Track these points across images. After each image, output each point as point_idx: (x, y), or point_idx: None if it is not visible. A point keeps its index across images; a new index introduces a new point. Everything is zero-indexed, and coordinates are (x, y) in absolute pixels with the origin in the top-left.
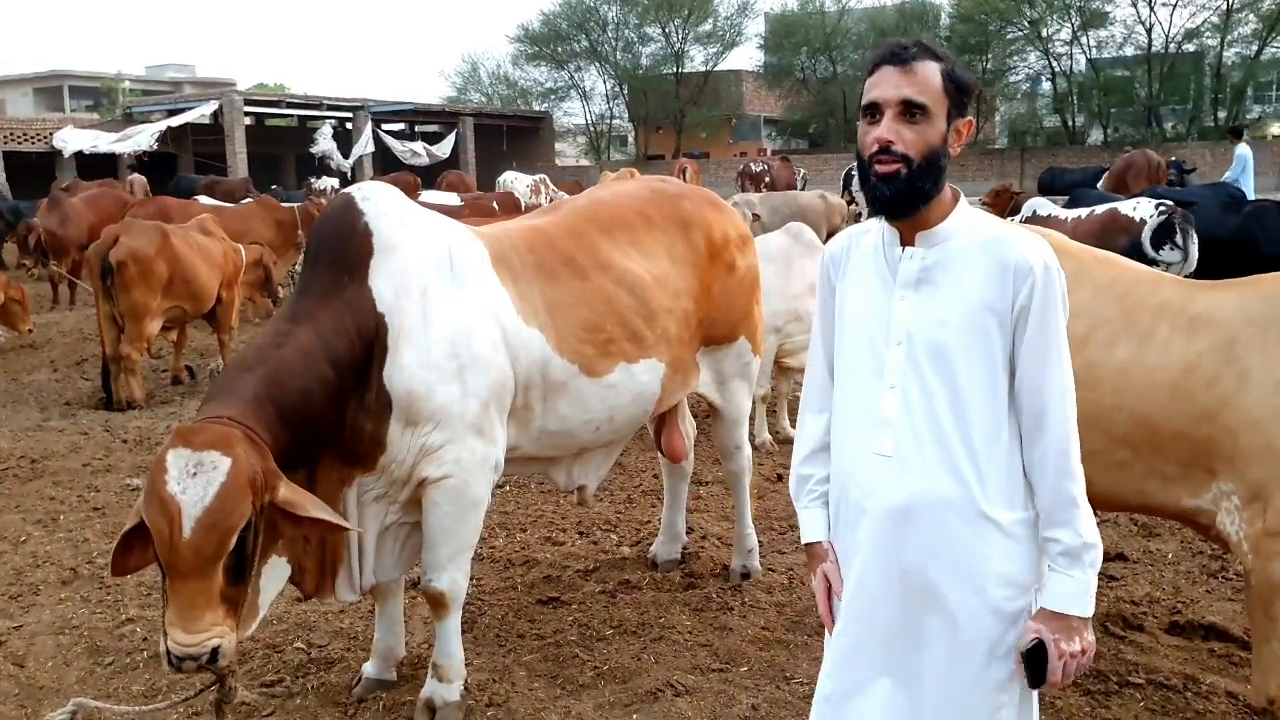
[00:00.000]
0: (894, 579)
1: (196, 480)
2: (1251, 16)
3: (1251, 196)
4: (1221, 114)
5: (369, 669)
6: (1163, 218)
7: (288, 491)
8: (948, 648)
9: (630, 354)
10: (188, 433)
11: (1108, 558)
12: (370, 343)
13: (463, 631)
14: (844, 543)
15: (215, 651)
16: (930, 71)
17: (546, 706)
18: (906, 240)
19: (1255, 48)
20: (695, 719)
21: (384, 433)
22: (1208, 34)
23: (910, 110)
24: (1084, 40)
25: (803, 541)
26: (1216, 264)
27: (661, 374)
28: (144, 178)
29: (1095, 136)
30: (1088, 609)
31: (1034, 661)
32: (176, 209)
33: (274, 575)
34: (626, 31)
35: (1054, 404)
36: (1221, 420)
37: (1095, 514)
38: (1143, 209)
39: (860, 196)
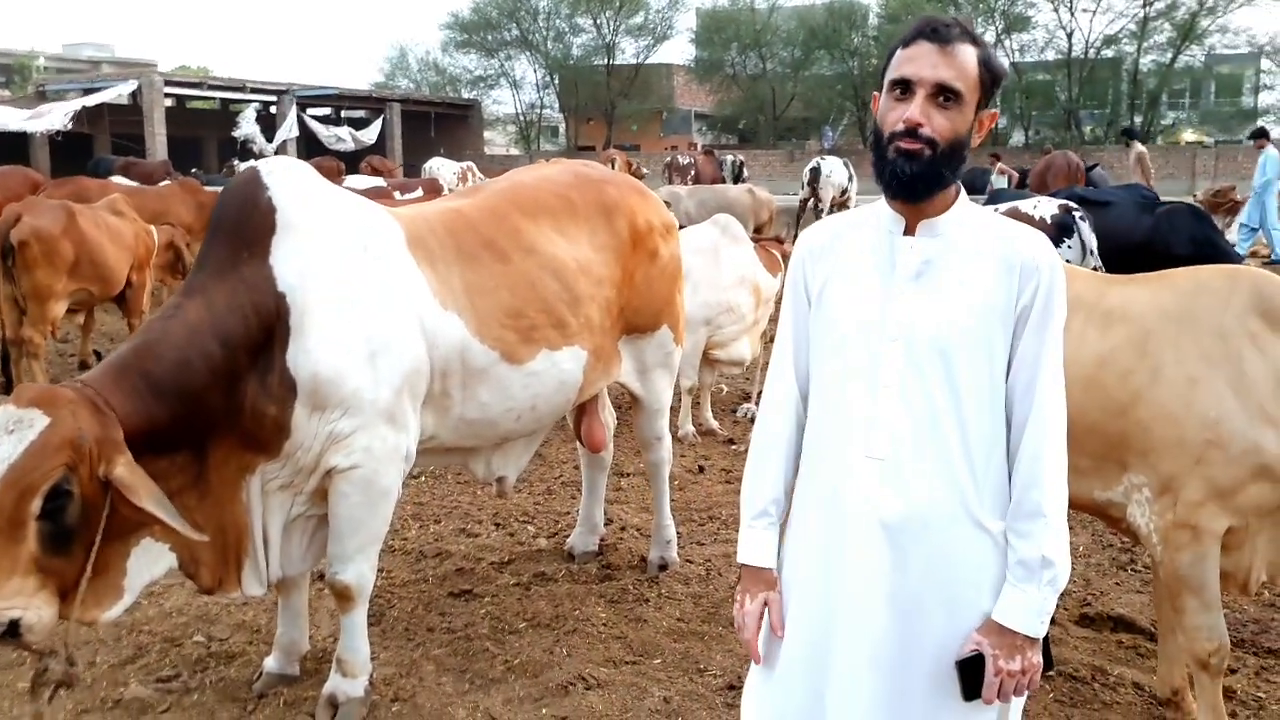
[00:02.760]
0: (885, 591)
1: (11, 437)
2: (1167, 25)
3: None
4: (1138, 118)
5: (270, 663)
6: (1076, 218)
7: (126, 471)
8: (938, 661)
9: (553, 341)
10: (20, 391)
11: None
12: (270, 323)
13: (370, 625)
14: (822, 554)
15: (15, 624)
16: (968, 56)
17: (454, 701)
18: (907, 230)
19: (1170, 55)
20: (606, 712)
21: (288, 418)
22: (1125, 41)
23: (944, 95)
24: (1007, 44)
25: (745, 562)
26: (1130, 263)
27: (584, 362)
28: None
29: (1017, 138)
30: (1036, 629)
31: (970, 673)
32: (95, 190)
33: (146, 558)
34: (558, 21)
35: (1039, 408)
36: (1134, 414)
37: None
38: (1043, 207)
39: (825, 192)
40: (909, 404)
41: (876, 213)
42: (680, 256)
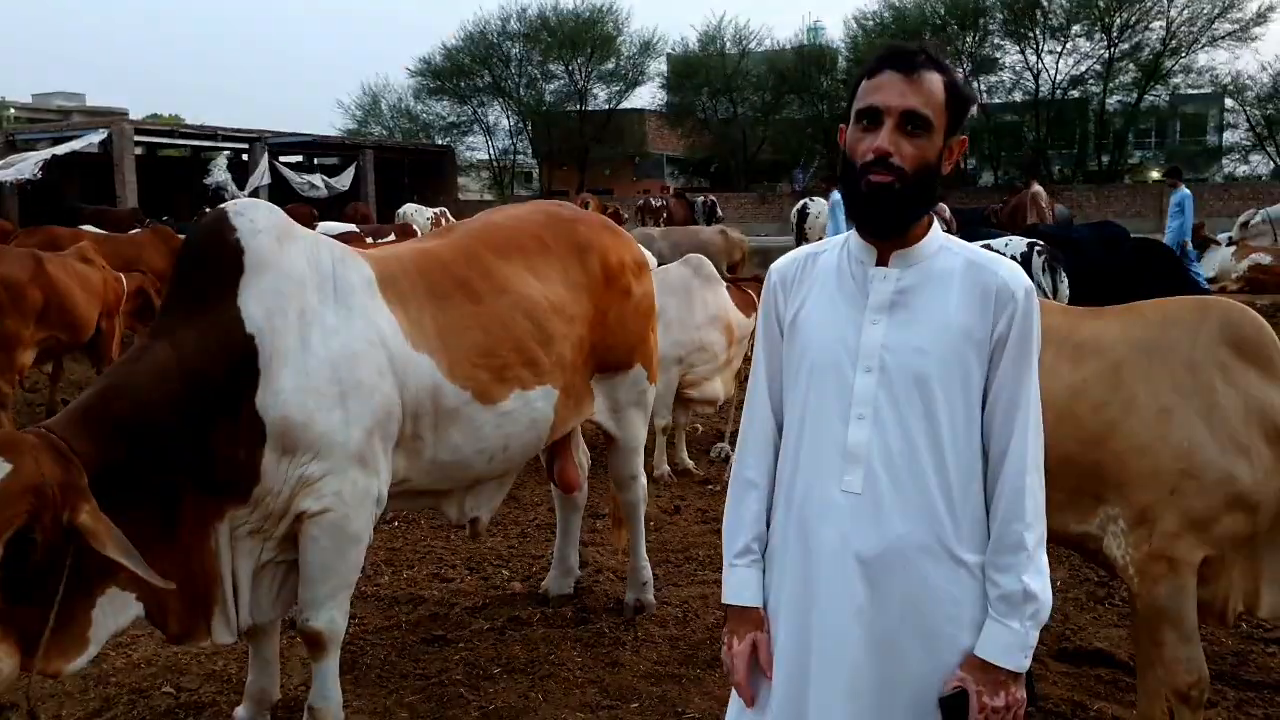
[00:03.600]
0: (862, 627)
1: None
2: (1131, 66)
3: None
4: (1105, 158)
5: (241, 713)
6: (1034, 254)
7: (90, 519)
8: (917, 698)
9: (526, 380)
10: None
11: None
12: (238, 365)
13: (343, 673)
14: (798, 589)
15: None
16: (935, 83)
17: None
18: (880, 259)
19: (1135, 95)
20: None
21: (257, 462)
22: (1091, 82)
23: (912, 122)
24: (975, 85)
25: (730, 602)
26: (1099, 298)
27: (556, 400)
28: None
29: (986, 178)
30: (1021, 664)
31: (953, 711)
32: (66, 238)
33: (112, 608)
34: (530, 68)
35: (1018, 439)
36: (1109, 446)
37: None
38: (1013, 246)
39: (812, 233)
40: (884, 435)
41: (848, 243)
42: (653, 294)
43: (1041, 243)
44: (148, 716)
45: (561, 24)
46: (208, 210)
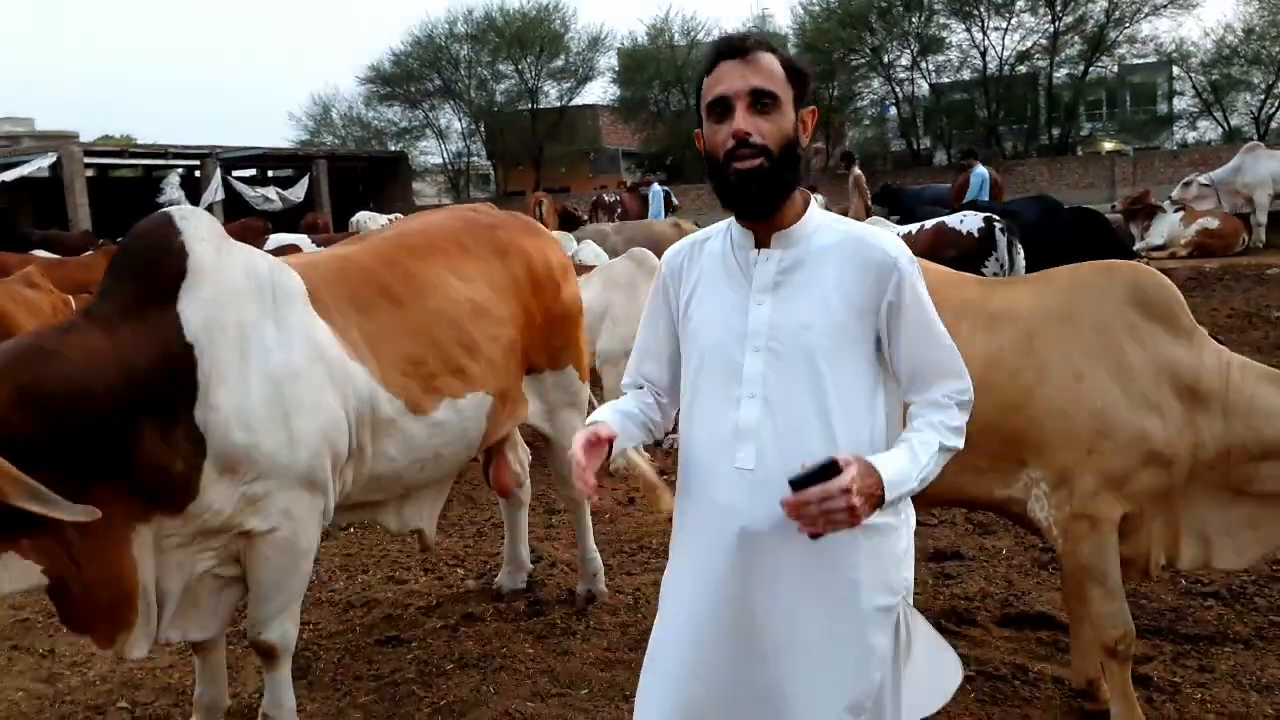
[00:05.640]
0: (765, 598)
1: None
2: (1076, 39)
3: None
4: (1056, 131)
5: None
6: (997, 230)
7: None
8: (817, 663)
9: (455, 388)
10: None
11: (944, 556)
12: (174, 371)
13: (297, 677)
14: (703, 564)
15: None
16: (770, 61)
17: None
18: (760, 242)
19: (1082, 68)
20: None
21: (196, 478)
22: (1038, 56)
23: (761, 100)
24: (924, 65)
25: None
26: (1034, 267)
27: (488, 407)
28: None
29: (940, 157)
30: (898, 488)
31: (812, 474)
32: (16, 264)
33: (9, 572)
34: (479, 69)
35: (951, 375)
36: (1026, 411)
37: (929, 513)
38: (969, 222)
39: None
40: (773, 413)
41: (728, 229)
42: (579, 295)
43: (998, 218)
44: None
45: (509, 23)
46: None
